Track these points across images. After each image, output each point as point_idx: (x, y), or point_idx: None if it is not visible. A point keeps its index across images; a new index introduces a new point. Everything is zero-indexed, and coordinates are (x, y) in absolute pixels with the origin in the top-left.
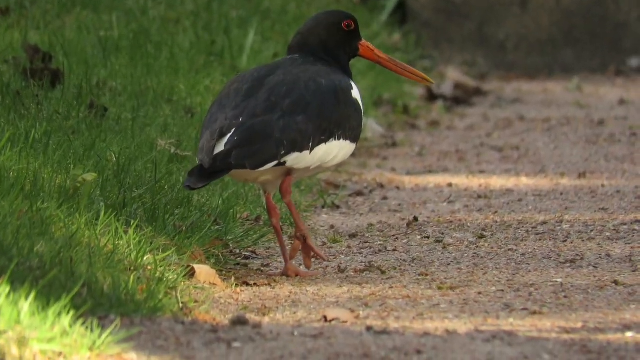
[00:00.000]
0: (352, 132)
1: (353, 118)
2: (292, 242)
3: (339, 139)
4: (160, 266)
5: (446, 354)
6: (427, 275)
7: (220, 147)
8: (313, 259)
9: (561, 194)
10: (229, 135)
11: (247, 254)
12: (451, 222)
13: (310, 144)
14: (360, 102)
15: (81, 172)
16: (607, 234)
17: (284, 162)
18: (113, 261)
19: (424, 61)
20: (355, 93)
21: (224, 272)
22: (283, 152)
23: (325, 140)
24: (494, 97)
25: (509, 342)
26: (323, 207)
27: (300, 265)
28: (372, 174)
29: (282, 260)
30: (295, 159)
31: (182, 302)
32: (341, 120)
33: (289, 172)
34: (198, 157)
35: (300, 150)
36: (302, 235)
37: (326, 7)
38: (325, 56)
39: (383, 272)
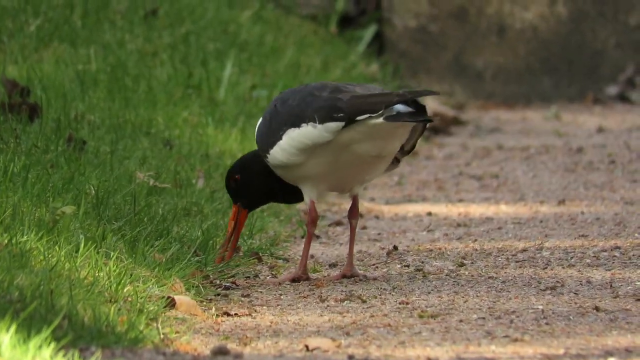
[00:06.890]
0: None
1: None
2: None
3: None
4: (141, 297)
5: None
6: (407, 303)
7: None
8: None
9: (541, 221)
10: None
11: (227, 284)
12: (431, 250)
13: None
14: None
15: (60, 205)
16: (587, 260)
17: None
18: (93, 293)
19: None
20: None
21: (204, 303)
22: None
23: None
24: (473, 126)
25: None
26: (302, 237)
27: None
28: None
29: (262, 291)
30: None
31: (163, 333)
32: None
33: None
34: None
35: None
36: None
37: (303, 39)
38: None
39: (364, 301)
